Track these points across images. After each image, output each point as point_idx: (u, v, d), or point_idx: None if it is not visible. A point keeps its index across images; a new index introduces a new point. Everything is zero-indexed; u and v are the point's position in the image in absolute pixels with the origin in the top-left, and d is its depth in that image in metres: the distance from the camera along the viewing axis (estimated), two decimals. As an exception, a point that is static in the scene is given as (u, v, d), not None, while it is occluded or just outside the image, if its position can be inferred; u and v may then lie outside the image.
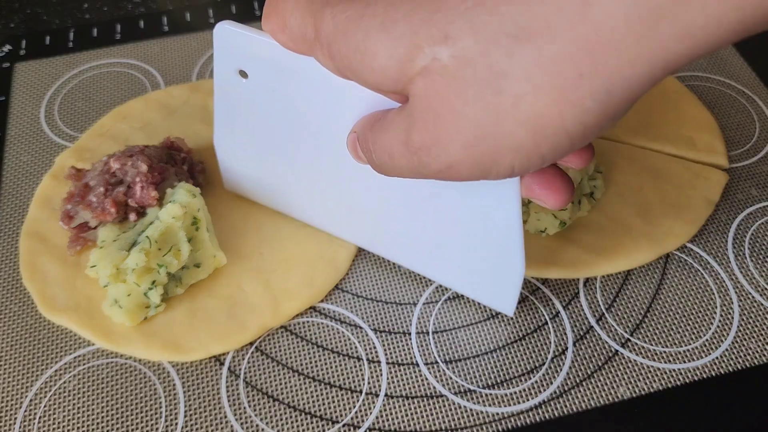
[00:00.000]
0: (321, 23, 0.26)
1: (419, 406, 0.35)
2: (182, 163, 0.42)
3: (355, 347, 0.37)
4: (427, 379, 0.36)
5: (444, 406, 0.35)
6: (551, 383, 0.35)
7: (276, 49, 0.29)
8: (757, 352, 0.36)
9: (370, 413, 0.35)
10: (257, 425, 0.34)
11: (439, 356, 0.36)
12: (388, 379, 0.36)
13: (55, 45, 0.53)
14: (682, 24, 0.20)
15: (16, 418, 0.35)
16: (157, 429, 0.34)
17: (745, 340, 0.37)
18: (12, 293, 0.39)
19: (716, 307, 0.38)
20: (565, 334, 0.37)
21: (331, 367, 0.36)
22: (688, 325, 0.37)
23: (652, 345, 0.37)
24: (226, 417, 0.35)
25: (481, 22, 0.22)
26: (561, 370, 0.36)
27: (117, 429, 0.34)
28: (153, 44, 0.53)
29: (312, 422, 0.34)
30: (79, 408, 0.35)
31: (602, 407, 0.34)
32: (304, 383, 0.36)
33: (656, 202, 0.42)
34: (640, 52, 0.21)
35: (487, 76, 0.22)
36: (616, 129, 0.46)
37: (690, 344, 0.37)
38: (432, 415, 0.34)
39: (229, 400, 0.35)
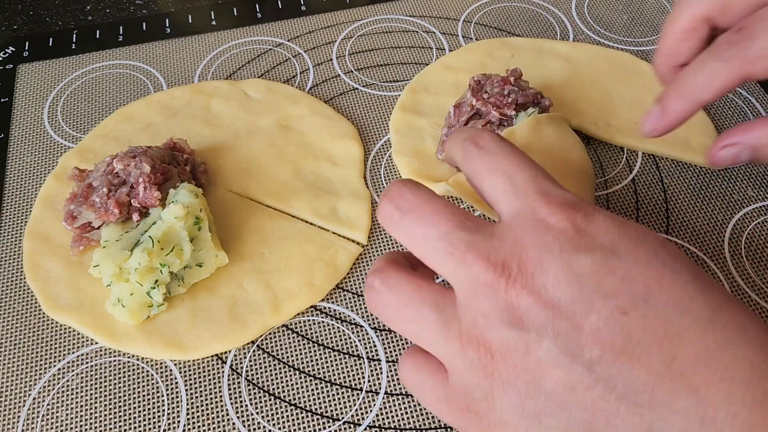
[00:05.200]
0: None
1: (418, 404, 0.35)
2: (185, 164, 0.42)
3: (356, 345, 0.37)
4: (426, 377, 0.36)
5: (443, 403, 0.35)
6: (549, 381, 0.36)
7: None
8: (753, 350, 0.37)
9: (371, 411, 0.35)
10: (259, 422, 0.35)
11: (439, 355, 0.37)
12: (388, 377, 0.36)
13: (58, 47, 0.54)
14: None
15: (19, 416, 0.35)
16: (159, 427, 0.35)
17: (741, 338, 0.37)
18: (15, 292, 0.40)
19: (712, 307, 0.38)
20: (563, 332, 0.37)
21: (332, 365, 0.37)
22: (685, 324, 0.38)
23: (649, 344, 0.37)
24: (228, 414, 0.35)
25: None
26: (559, 368, 0.36)
27: (119, 427, 0.35)
28: (155, 46, 0.54)
29: (313, 420, 0.35)
30: (81, 406, 0.35)
31: (600, 405, 0.35)
32: (306, 381, 0.36)
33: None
34: None
35: None
36: (610, 129, 0.46)
37: (686, 343, 0.37)
38: (431, 412, 0.35)
39: (231, 398, 0.35)
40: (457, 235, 0.25)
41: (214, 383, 0.36)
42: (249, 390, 0.36)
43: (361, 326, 0.38)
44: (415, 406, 0.35)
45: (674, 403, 0.22)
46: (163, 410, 0.35)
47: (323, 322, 0.38)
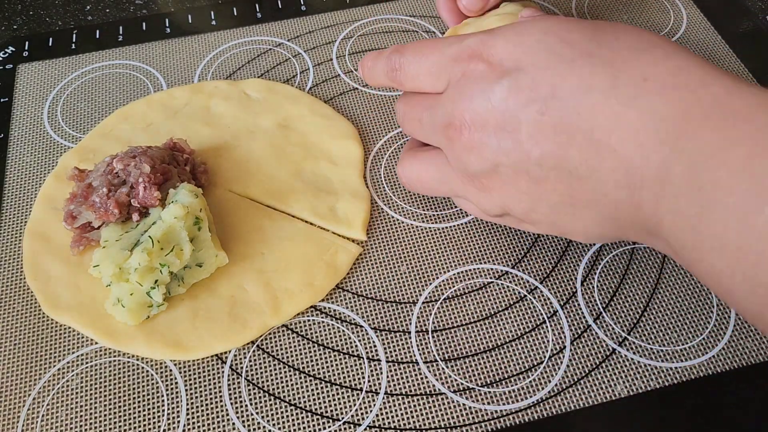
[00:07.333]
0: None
1: (418, 404, 0.35)
2: (184, 164, 0.42)
3: (356, 346, 0.37)
4: (426, 377, 0.36)
5: (443, 403, 0.35)
6: (549, 381, 0.36)
7: None
8: (753, 350, 0.37)
9: (370, 411, 0.35)
10: (258, 422, 0.35)
11: (438, 355, 0.37)
12: (387, 377, 0.36)
13: (58, 47, 0.54)
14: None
15: (19, 416, 0.35)
16: (159, 427, 0.35)
17: (741, 338, 0.37)
18: (15, 292, 0.40)
19: (713, 306, 0.38)
20: (563, 332, 0.37)
21: (332, 366, 0.37)
22: (685, 323, 0.38)
23: (649, 343, 0.37)
24: (227, 414, 0.35)
25: None
26: (559, 368, 0.36)
27: (119, 427, 0.35)
28: (155, 46, 0.54)
29: (313, 420, 0.35)
30: (81, 406, 0.35)
31: (599, 405, 0.35)
32: (305, 381, 0.36)
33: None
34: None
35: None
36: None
37: (687, 343, 0.37)
38: (431, 412, 0.35)
39: (230, 398, 0.35)
40: (424, 104, 0.34)
41: (214, 383, 0.36)
42: (249, 390, 0.36)
43: (361, 326, 0.38)
44: (414, 405, 0.35)
45: (603, 164, 0.28)
46: (163, 410, 0.35)
47: (323, 322, 0.38)
